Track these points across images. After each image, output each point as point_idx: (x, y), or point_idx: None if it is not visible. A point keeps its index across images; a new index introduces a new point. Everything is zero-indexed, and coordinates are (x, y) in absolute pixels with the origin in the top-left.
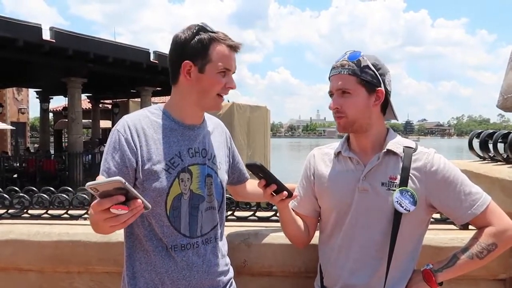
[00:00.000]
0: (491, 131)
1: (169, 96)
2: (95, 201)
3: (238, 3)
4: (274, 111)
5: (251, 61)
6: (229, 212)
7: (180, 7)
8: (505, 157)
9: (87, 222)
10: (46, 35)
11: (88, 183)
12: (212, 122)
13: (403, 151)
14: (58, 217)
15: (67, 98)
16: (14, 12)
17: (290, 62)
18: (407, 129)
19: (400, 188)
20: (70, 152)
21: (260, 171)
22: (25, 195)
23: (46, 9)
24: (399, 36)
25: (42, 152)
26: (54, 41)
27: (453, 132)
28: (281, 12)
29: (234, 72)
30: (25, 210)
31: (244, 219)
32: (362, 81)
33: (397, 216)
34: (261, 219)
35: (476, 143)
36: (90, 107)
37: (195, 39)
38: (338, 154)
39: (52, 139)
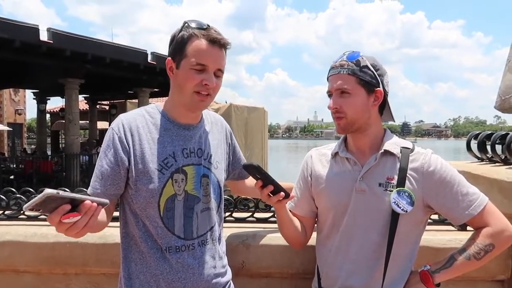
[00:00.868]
0: (489, 132)
1: (167, 97)
2: (49, 216)
3: (236, 5)
4: (272, 112)
5: (249, 63)
6: (227, 213)
7: (177, 8)
8: (503, 158)
9: None
10: (44, 36)
11: (25, 205)
12: (211, 118)
13: (400, 152)
14: None
15: (64, 99)
16: (12, 13)
17: (288, 63)
18: (404, 131)
19: (398, 188)
20: (67, 153)
21: (257, 172)
22: (22, 196)
23: (44, 10)
24: (396, 38)
25: (39, 153)
26: (51, 42)
27: (449, 133)
28: (279, 14)
29: (219, 70)
30: (22, 211)
31: (243, 220)
32: (361, 81)
33: (394, 216)
34: (260, 220)
35: (474, 144)
36: (88, 108)
37: (178, 36)
38: (335, 154)
39: (49, 140)
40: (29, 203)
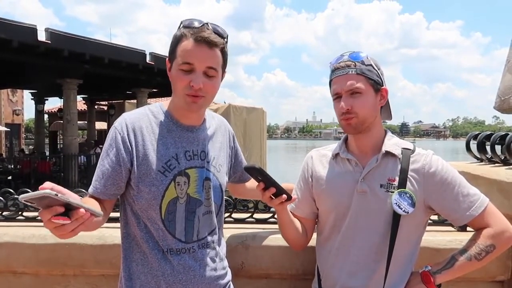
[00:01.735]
0: (489, 132)
1: (165, 98)
2: (40, 212)
3: (235, 5)
4: (270, 112)
5: (247, 63)
6: (227, 214)
7: (176, 8)
8: (502, 158)
9: None
10: (42, 36)
11: (21, 196)
12: (215, 121)
13: (401, 153)
14: None
15: (62, 100)
16: (10, 13)
17: (286, 63)
18: (402, 131)
19: (399, 190)
20: (65, 154)
21: (259, 174)
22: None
23: (42, 10)
24: (395, 38)
25: (37, 153)
26: (49, 42)
27: (448, 134)
28: (277, 14)
29: (210, 68)
30: (19, 213)
31: (242, 221)
32: (370, 80)
33: (395, 218)
34: (259, 221)
35: (473, 144)
36: (86, 109)
37: (173, 37)
38: (336, 155)
39: (47, 140)
40: (26, 195)
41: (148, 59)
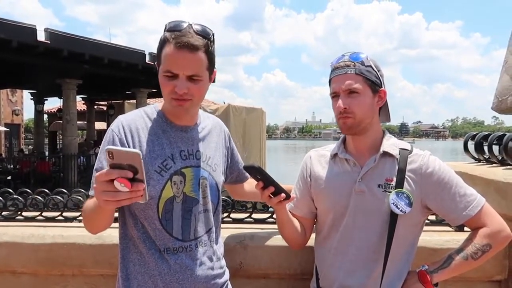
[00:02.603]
0: (486, 133)
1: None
2: (102, 171)
3: (234, 5)
4: (270, 113)
5: (247, 63)
6: (225, 214)
7: (175, 9)
8: (500, 159)
9: (82, 224)
10: (41, 36)
11: (108, 146)
12: (210, 122)
13: (399, 153)
14: (53, 219)
15: (62, 100)
16: (9, 13)
17: (286, 64)
18: (402, 131)
19: (396, 190)
20: (65, 154)
21: (258, 173)
22: (19, 197)
23: (41, 11)
24: (394, 39)
25: (37, 153)
26: (49, 42)
27: (447, 134)
28: (277, 14)
29: (188, 74)
30: (19, 212)
31: (240, 221)
32: (368, 80)
33: (393, 217)
34: (257, 221)
35: (471, 145)
36: (85, 109)
37: (159, 39)
38: (334, 155)
39: (46, 140)
40: (116, 147)
41: (147, 59)
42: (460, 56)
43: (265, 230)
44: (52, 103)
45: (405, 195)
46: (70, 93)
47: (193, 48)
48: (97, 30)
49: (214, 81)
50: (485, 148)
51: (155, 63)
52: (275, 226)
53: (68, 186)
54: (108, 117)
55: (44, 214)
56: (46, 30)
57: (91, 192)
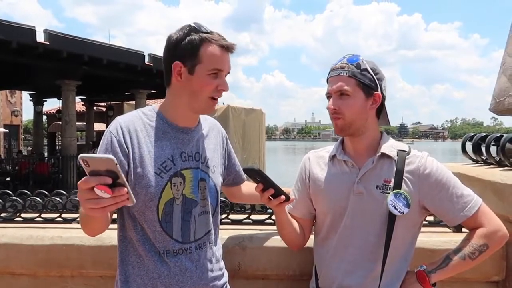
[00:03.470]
0: (484, 134)
1: (164, 99)
2: (82, 179)
3: (234, 7)
4: (269, 114)
5: (246, 64)
6: (224, 215)
7: (175, 10)
8: (497, 160)
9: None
10: (40, 38)
11: (80, 155)
12: (208, 123)
13: (397, 155)
14: (52, 221)
15: (61, 101)
16: (8, 15)
17: (285, 65)
18: (401, 132)
19: (394, 191)
20: (64, 155)
21: (257, 175)
22: (18, 199)
23: (41, 12)
24: (393, 40)
25: (36, 155)
26: (48, 43)
27: (447, 135)
28: (276, 16)
29: (228, 73)
30: (17, 214)
31: (239, 222)
32: (360, 83)
33: (391, 218)
34: (256, 222)
35: (469, 146)
36: (84, 110)
37: (186, 39)
38: (333, 157)
39: (45, 142)
40: (89, 154)
41: (147, 60)
42: (459, 57)
43: (264, 231)
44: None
45: (403, 196)
46: (69, 94)
47: (232, 50)
48: (96, 32)
49: None
50: (483, 149)
51: (185, 62)
52: (274, 227)
53: (67, 187)
54: (107, 118)
55: (43, 215)
56: (45, 31)
57: None
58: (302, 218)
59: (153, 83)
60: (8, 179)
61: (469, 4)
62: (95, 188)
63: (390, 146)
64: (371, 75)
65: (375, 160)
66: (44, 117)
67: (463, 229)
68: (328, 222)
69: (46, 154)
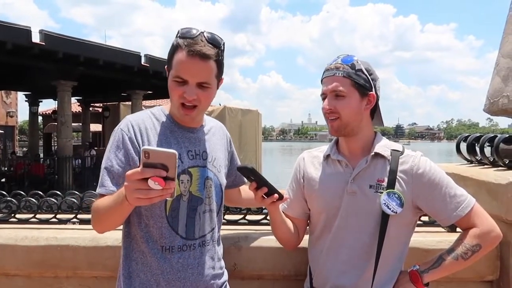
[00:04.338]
0: (478, 134)
1: (160, 100)
2: (136, 169)
3: (230, 8)
4: (266, 114)
5: (243, 65)
6: None
7: (171, 11)
8: (491, 160)
9: (76, 226)
10: (36, 38)
11: (144, 147)
12: (214, 125)
13: (391, 154)
14: (47, 222)
15: (56, 101)
16: (4, 15)
17: (282, 66)
18: (397, 133)
19: (388, 190)
20: (60, 156)
21: (251, 174)
22: (12, 199)
23: (37, 12)
24: (389, 41)
25: (31, 155)
26: (43, 44)
27: (442, 136)
28: (273, 17)
29: (198, 82)
30: (12, 215)
31: (234, 222)
32: (355, 84)
33: (384, 218)
34: (251, 222)
35: (463, 146)
36: (80, 111)
37: (172, 45)
38: (327, 157)
39: (41, 142)
40: (153, 147)
41: (143, 61)
42: (455, 58)
43: (259, 232)
44: (47, 105)
45: (396, 195)
46: (65, 95)
47: (204, 57)
48: (93, 32)
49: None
50: (477, 149)
51: (165, 66)
52: (269, 227)
53: (63, 188)
54: (103, 119)
55: (38, 216)
56: (41, 31)
57: (101, 190)
58: (296, 218)
59: (150, 84)
60: (3, 180)
61: (464, 6)
62: (149, 180)
63: (384, 146)
64: (366, 75)
65: (369, 160)
66: (40, 118)
67: (458, 229)
68: (322, 222)
69: (41, 155)
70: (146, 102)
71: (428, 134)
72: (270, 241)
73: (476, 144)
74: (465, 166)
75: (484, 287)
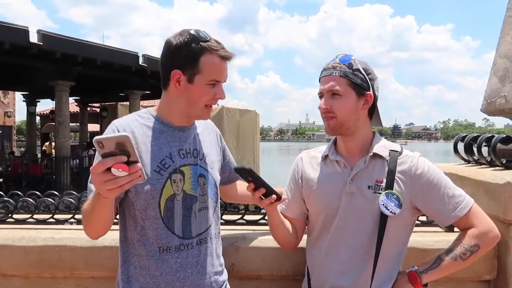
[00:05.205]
0: (476, 134)
1: (159, 100)
2: (96, 163)
3: (228, 8)
4: (264, 115)
5: (241, 65)
6: None
7: (169, 11)
8: (488, 160)
9: (73, 226)
10: (34, 38)
11: (96, 137)
12: (202, 122)
13: (389, 155)
14: (44, 222)
15: (54, 101)
16: (2, 15)
17: (280, 66)
18: (395, 133)
19: (386, 191)
20: (57, 156)
21: (249, 175)
22: (10, 200)
23: (35, 12)
24: (387, 41)
25: (29, 155)
26: (41, 44)
27: (439, 136)
28: (270, 17)
29: (225, 82)
30: (9, 215)
31: (232, 222)
32: (352, 83)
33: (383, 218)
34: (249, 223)
35: (461, 146)
36: (78, 111)
37: (186, 48)
38: (325, 157)
39: (39, 142)
40: (103, 136)
41: (141, 61)
42: (451, 59)
43: (257, 232)
44: (45, 105)
45: (395, 196)
46: (62, 95)
47: (230, 60)
48: (91, 32)
49: None
50: (475, 149)
51: (184, 71)
52: (267, 227)
53: (60, 188)
54: (101, 119)
55: (35, 216)
56: (38, 31)
57: (88, 196)
58: (295, 218)
59: (148, 84)
60: (1, 180)
61: (461, 6)
62: (112, 168)
63: (382, 147)
64: (363, 75)
65: (367, 160)
66: (38, 118)
67: (456, 229)
68: (320, 222)
69: (39, 155)
70: (144, 102)
71: (425, 134)
72: (268, 241)
73: (474, 144)
74: (462, 166)
75: (482, 286)
